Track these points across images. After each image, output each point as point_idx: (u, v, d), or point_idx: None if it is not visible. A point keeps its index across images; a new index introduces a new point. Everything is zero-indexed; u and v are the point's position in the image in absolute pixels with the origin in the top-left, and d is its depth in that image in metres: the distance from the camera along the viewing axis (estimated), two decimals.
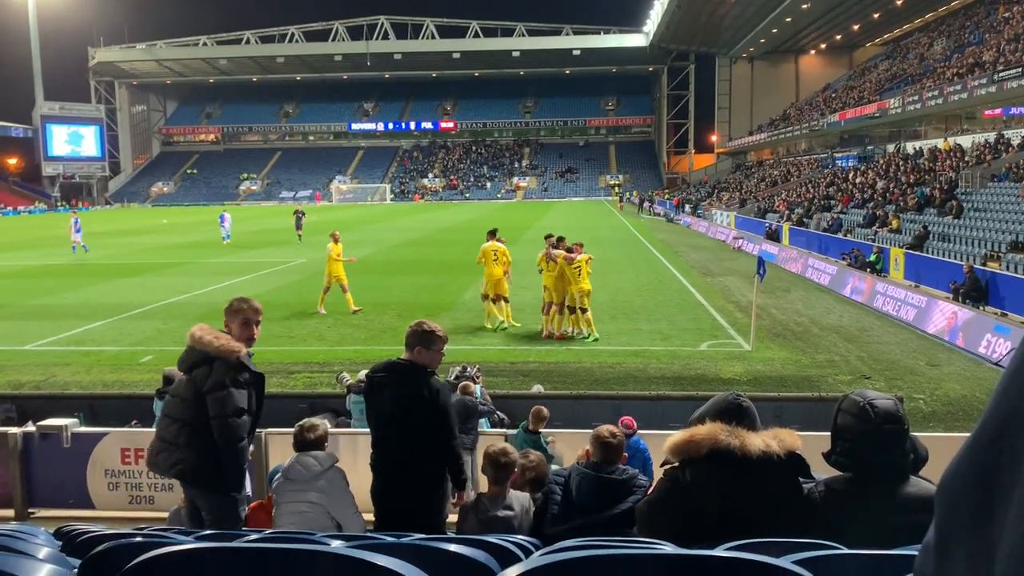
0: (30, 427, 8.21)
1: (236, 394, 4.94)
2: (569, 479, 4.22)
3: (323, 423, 5.52)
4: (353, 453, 7.27)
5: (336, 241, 18.62)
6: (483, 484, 4.96)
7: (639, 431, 7.40)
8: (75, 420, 8.37)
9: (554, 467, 5.70)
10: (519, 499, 4.61)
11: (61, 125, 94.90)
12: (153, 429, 8.46)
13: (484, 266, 16.70)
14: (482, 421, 8.81)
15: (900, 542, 2.32)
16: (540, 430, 7.71)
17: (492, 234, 17.08)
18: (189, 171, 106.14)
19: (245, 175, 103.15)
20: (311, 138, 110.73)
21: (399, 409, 5.00)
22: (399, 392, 5.00)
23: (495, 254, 16.58)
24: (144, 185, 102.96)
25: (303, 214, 39.73)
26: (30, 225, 57.52)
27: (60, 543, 3.13)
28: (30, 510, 8.06)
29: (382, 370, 5.13)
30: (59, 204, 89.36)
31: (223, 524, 4.91)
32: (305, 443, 5.24)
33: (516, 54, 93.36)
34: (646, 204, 68.41)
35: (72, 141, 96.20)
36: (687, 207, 59.01)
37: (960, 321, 15.46)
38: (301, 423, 5.39)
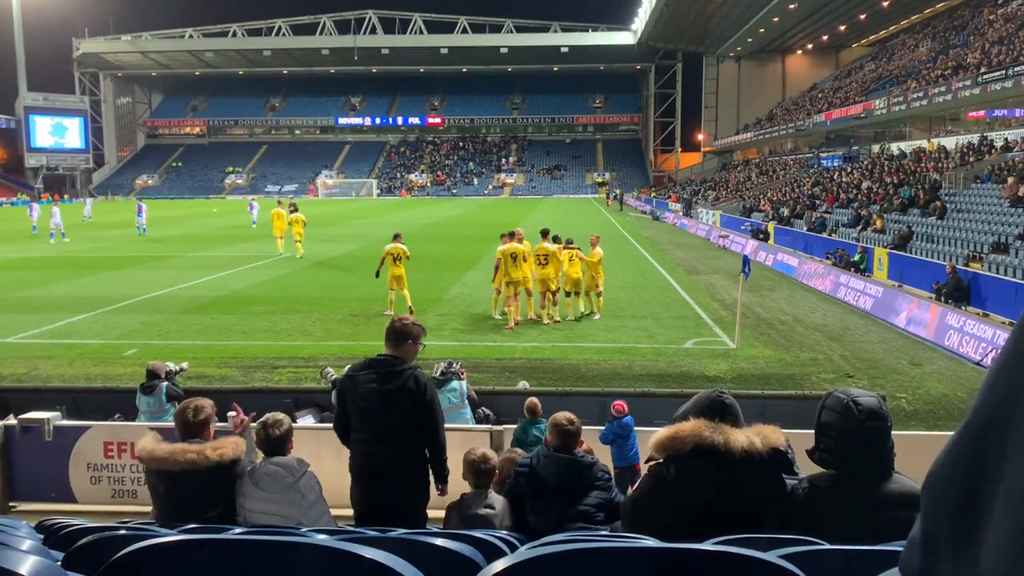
0: (11, 420, 8.14)
1: None
2: (537, 462, 4.52)
3: (286, 417, 4.92)
4: (337, 448, 7.22)
5: (594, 245, 17.34)
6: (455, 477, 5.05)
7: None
8: (57, 413, 8.29)
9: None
10: (498, 500, 4.69)
11: (45, 116, 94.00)
12: (136, 423, 8.45)
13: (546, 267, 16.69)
14: (467, 416, 8.81)
15: (883, 538, 2.34)
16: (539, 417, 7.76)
17: (545, 235, 17.15)
18: (174, 164, 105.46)
19: (231, 168, 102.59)
20: (297, 132, 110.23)
21: (384, 405, 4.94)
22: (384, 387, 4.94)
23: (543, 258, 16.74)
24: (128, 178, 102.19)
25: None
26: (12, 217, 56.92)
27: (42, 536, 3.11)
28: (11, 504, 7.99)
29: (364, 367, 5.06)
30: (41, 196, 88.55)
31: None
32: (270, 441, 4.72)
33: (504, 50, 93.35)
34: (621, 200, 71.82)
35: (56, 132, 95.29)
36: (677, 206, 58.91)
37: None
38: (264, 419, 4.81)
